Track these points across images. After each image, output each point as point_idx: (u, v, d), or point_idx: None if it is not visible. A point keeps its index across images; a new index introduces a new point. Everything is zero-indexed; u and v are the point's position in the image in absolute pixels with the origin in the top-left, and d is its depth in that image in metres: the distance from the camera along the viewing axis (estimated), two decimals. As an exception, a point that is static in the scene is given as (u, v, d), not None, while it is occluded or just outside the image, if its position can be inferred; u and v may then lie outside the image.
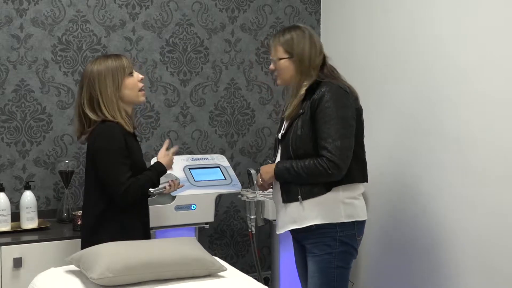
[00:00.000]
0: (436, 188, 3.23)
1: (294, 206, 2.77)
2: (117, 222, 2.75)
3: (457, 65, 3.11)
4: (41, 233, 3.28)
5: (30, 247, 3.14)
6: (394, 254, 3.56)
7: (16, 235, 3.24)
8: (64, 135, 3.65)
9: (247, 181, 3.76)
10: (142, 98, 2.88)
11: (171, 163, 2.96)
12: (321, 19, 4.22)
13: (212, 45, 3.97)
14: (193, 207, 3.47)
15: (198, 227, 3.61)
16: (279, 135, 2.89)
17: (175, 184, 3.04)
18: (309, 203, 2.74)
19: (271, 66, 2.89)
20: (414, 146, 3.38)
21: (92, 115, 2.76)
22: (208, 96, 3.98)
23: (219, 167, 3.66)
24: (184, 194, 3.39)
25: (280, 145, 2.87)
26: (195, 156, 3.70)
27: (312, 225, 2.75)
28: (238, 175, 3.87)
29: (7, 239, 3.16)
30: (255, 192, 3.59)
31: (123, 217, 2.76)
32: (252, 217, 3.60)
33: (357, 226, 2.81)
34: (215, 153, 3.96)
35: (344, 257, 2.79)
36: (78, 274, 2.50)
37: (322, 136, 2.68)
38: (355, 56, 3.83)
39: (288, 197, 2.79)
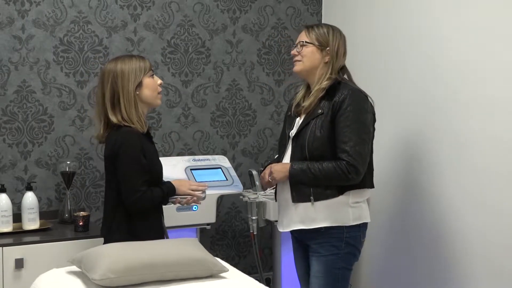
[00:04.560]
0: (440, 189, 3.22)
1: (304, 207, 2.76)
2: (134, 224, 2.77)
3: (459, 64, 3.10)
4: (42, 234, 3.28)
5: (31, 248, 3.14)
6: (397, 256, 3.55)
7: (18, 236, 3.24)
8: (66, 136, 3.66)
9: (248, 182, 3.76)
10: (159, 101, 2.94)
11: (185, 187, 2.89)
12: (322, 20, 4.21)
13: (213, 46, 3.97)
14: (195, 208, 3.47)
15: (200, 228, 3.62)
16: (291, 133, 2.87)
17: (190, 200, 2.92)
18: (320, 205, 2.74)
19: (294, 51, 2.88)
20: (417, 146, 3.37)
21: (112, 117, 2.77)
22: (209, 97, 3.98)
23: (220, 168, 3.66)
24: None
25: (291, 143, 2.85)
26: (196, 157, 3.70)
27: (321, 227, 2.75)
28: (239, 176, 3.87)
29: (9, 240, 3.16)
30: (256, 193, 3.58)
31: (141, 218, 2.78)
32: (254, 218, 3.59)
33: (362, 228, 2.82)
34: (216, 154, 3.96)
35: (348, 258, 2.80)
36: (80, 275, 2.50)
37: (343, 140, 2.68)
38: (357, 56, 3.82)
39: (299, 197, 2.77)
